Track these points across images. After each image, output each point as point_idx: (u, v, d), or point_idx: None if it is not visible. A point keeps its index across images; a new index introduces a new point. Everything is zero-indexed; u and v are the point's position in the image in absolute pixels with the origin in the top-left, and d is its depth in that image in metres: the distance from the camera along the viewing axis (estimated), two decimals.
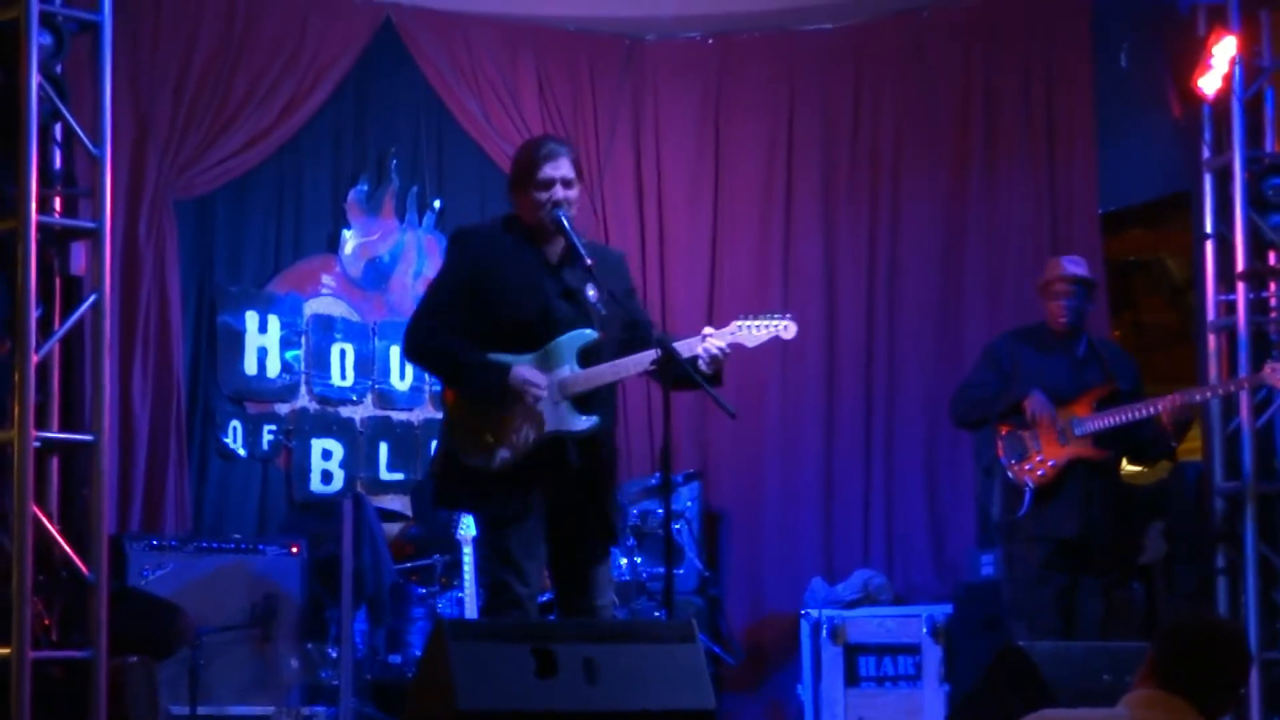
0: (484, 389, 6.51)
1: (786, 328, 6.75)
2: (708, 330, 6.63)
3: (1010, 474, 8.34)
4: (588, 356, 6.58)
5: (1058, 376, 8.44)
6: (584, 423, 6.55)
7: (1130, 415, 8.25)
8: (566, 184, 6.63)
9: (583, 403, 6.56)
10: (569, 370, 6.55)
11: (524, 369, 6.48)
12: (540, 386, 6.48)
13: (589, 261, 6.57)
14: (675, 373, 6.49)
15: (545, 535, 6.57)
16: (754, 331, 6.70)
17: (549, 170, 6.61)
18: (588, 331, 6.58)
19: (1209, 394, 8.80)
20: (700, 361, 6.54)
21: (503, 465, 6.50)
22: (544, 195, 6.59)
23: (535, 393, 6.46)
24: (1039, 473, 8.30)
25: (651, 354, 6.51)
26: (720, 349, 6.54)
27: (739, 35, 11.89)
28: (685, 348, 6.56)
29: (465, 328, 6.56)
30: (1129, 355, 8.78)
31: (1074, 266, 8.63)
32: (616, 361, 6.57)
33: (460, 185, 11.52)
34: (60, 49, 7.51)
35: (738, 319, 6.75)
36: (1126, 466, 8.94)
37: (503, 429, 6.51)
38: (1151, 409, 8.23)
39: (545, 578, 6.81)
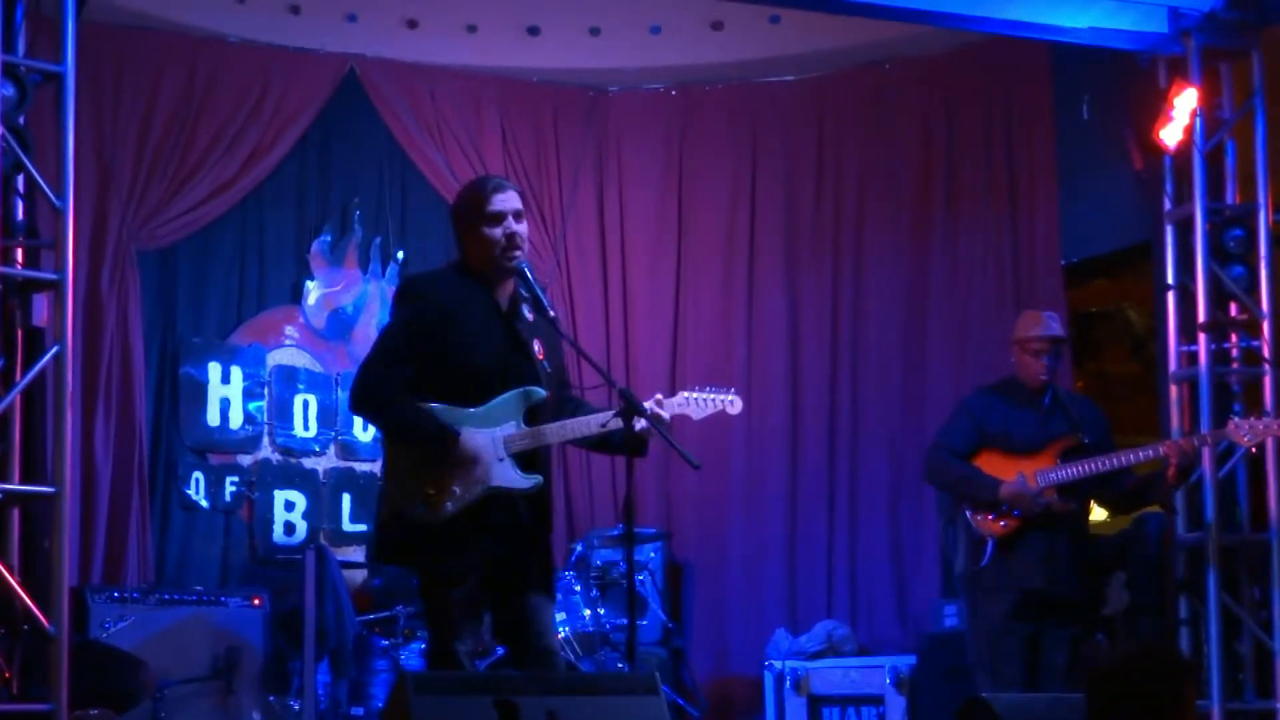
0: (433, 451, 6.29)
1: (733, 402, 6.70)
2: (659, 397, 6.49)
3: (974, 525, 8.31)
4: (533, 415, 6.41)
5: (1024, 428, 8.41)
6: (527, 481, 6.37)
7: (1093, 467, 8.21)
8: (518, 216, 6.41)
9: (525, 460, 6.39)
10: (515, 427, 6.36)
11: (473, 438, 6.29)
12: (484, 460, 6.30)
13: (552, 313, 6.49)
14: (630, 433, 6.30)
15: (486, 591, 6.39)
16: (701, 405, 6.64)
17: (499, 203, 6.37)
18: (538, 390, 6.40)
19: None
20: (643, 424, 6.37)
21: (445, 518, 6.28)
22: (496, 230, 6.37)
23: (481, 463, 6.29)
24: (1001, 524, 8.26)
25: (601, 418, 6.36)
26: (665, 418, 6.41)
27: (702, 87, 11.93)
28: None
29: (416, 378, 6.32)
30: (1098, 408, 8.70)
31: (1055, 325, 8.55)
32: (564, 423, 6.41)
33: (423, 236, 11.50)
34: (23, 100, 7.49)
35: (685, 390, 6.67)
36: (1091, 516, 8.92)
37: (446, 482, 6.30)
38: (1115, 461, 8.19)
39: (485, 637, 6.72)
